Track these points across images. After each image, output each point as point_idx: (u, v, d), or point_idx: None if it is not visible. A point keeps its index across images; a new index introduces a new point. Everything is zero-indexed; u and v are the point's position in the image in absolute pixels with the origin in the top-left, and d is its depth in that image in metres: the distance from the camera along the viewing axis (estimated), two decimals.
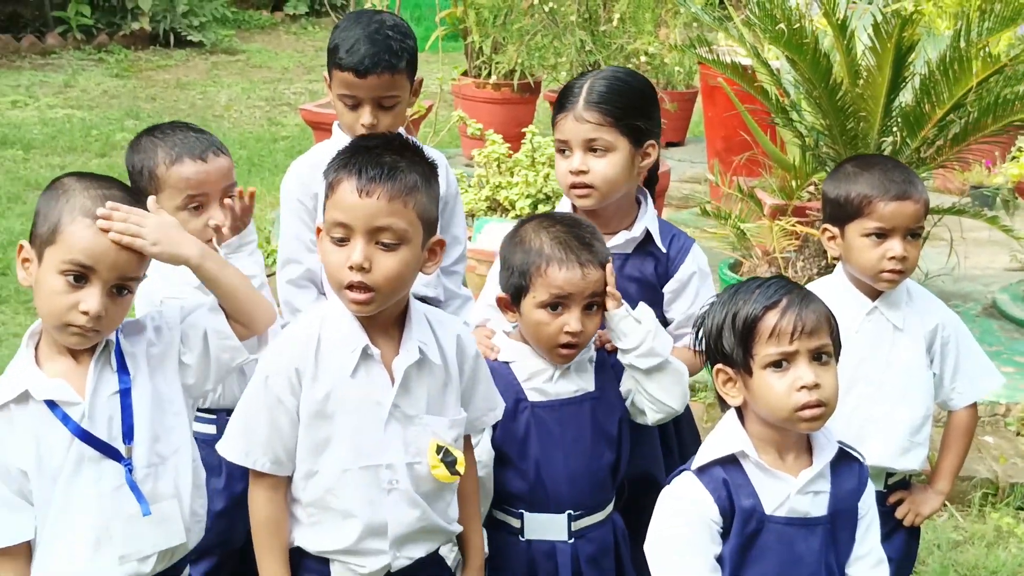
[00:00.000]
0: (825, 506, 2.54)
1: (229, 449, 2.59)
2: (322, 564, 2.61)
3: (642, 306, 2.87)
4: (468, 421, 2.71)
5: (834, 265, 3.30)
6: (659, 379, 2.87)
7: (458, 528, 2.72)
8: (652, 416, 2.91)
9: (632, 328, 2.83)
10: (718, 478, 2.51)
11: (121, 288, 2.43)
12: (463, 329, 2.74)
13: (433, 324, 2.64)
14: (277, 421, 2.54)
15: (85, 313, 2.37)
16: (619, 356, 2.88)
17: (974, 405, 3.28)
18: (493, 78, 7.99)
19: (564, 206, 3.21)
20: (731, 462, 2.53)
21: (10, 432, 2.43)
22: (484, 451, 2.86)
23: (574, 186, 3.07)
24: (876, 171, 3.11)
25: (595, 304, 2.82)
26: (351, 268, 2.43)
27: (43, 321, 2.46)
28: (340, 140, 3.33)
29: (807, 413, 2.45)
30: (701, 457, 2.56)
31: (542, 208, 5.61)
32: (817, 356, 2.48)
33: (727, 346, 2.53)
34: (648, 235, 3.15)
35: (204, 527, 2.66)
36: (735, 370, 2.54)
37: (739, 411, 2.59)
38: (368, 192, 2.43)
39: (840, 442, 2.60)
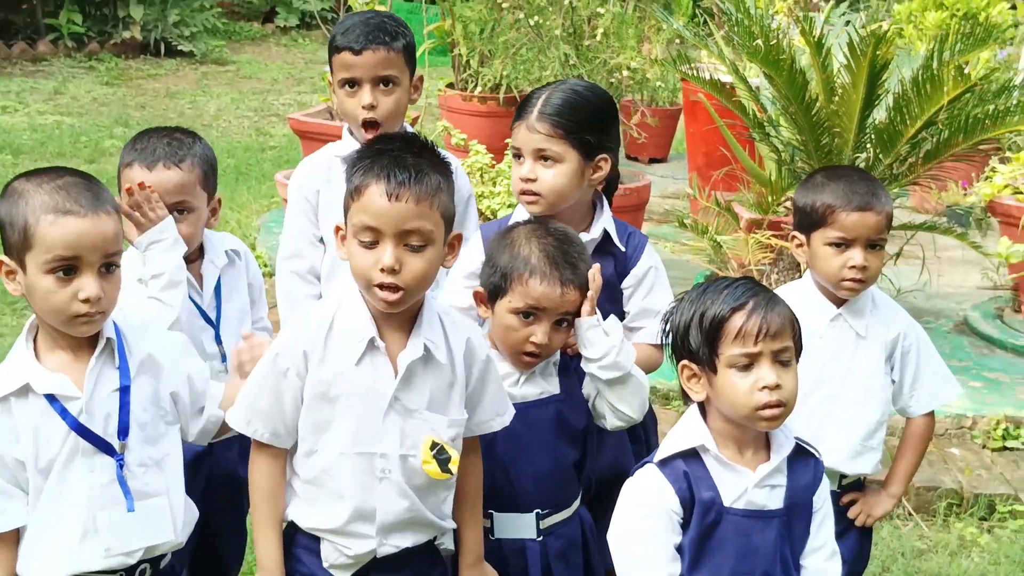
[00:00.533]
0: (781, 499, 2.62)
1: (233, 416, 2.69)
2: (313, 541, 2.70)
3: (612, 319, 2.93)
4: (474, 424, 2.77)
5: None
6: (620, 390, 2.93)
7: (451, 525, 2.78)
8: (612, 423, 2.97)
9: (599, 338, 2.88)
10: (679, 470, 2.59)
11: (108, 265, 2.50)
12: (475, 332, 2.80)
13: (445, 324, 2.71)
14: (281, 396, 2.63)
15: (86, 300, 2.44)
16: (582, 363, 2.93)
17: (931, 413, 3.36)
18: (479, 91, 8.08)
19: (519, 211, 3.26)
20: (692, 455, 2.61)
21: (9, 424, 2.50)
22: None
23: (523, 192, 3.14)
24: (842, 182, 3.19)
25: (565, 321, 2.89)
26: (382, 270, 2.51)
27: (49, 320, 2.52)
28: (350, 143, 3.44)
29: (767, 412, 2.54)
30: (663, 450, 2.64)
31: None
32: (779, 357, 2.56)
33: (693, 343, 2.61)
34: (606, 236, 3.21)
35: (193, 520, 2.74)
36: (700, 367, 2.61)
37: (701, 406, 2.66)
38: (397, 196, 2.50)
39: (797, 438, 2.67)
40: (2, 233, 2.52)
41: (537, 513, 2.92)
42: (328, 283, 3.53)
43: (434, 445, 2.64)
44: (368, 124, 3.42)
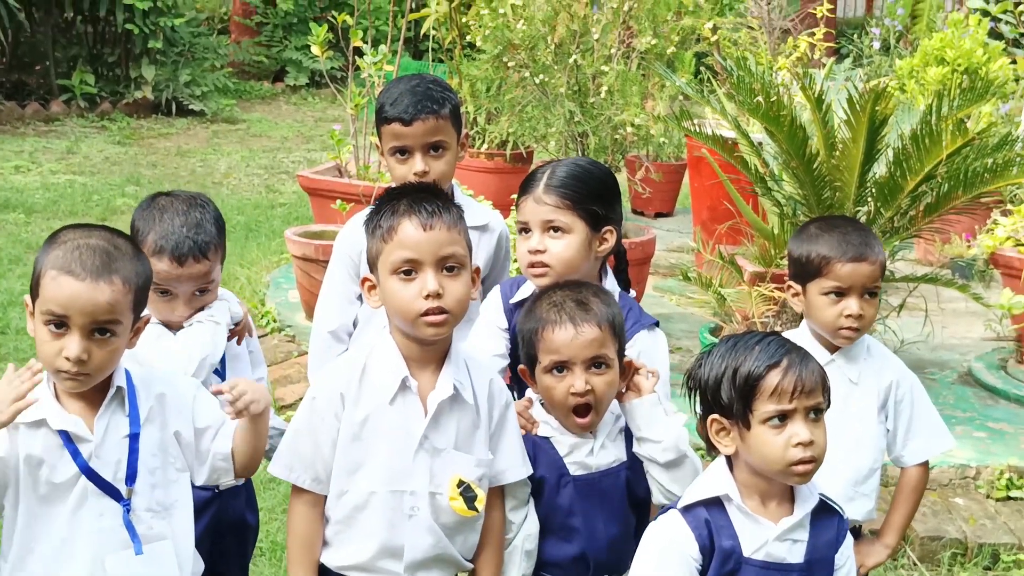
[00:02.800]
0: (802, 554, 2.64)
1: (276, 465, 2.79)
2: None
3: (670, 402, 2.95)
4: (493, 475, 2.82)
5: None
6: (675, 472, 2.90)
7: (470, 565, 2.85)
8: (657, 499, 2.95)
9: (659, 418, 2.88)
10: (701, 518, 2.63)
11: (102, 331, 2.55)
12: (496, 376, 2.90)
13: (470, 366, 2.82)
14: (319, 441, 2.74)
15: (68, 359, 2.52)
16: (635, 443, 2.92)
17: (925, 464, 3.40)
18: (486, 147, 8.19)
19: (528, 288, 3.26)
20: (715, 504, 2.64)
21: (11, 447, 2.58)
22: (533, 524, 2.94)
23: (532, 265, 3.15)
24: (836, 233, 3.25)
25: (602, 363, 2.88)
26: (426, 297, 2.65)
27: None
28: None
29: (800, 468, 2.57)
30: (688, 497, 2.68)
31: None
32: (811, 413, 2.60)
33: (725, 398, 2.63)
34: None
35: (199, 569, 2.79)
36: (731, 421, 2.63)
37: (728, 457, 2.69)
38: (431, 226, 2.68)
39: (822, 495, 2.70)
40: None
41: None
42: (360, 338, 3.60)
43: (461, 483, 2.73)
44: None
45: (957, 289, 5.76)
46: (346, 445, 2.73)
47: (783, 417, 2.57)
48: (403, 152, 3.50)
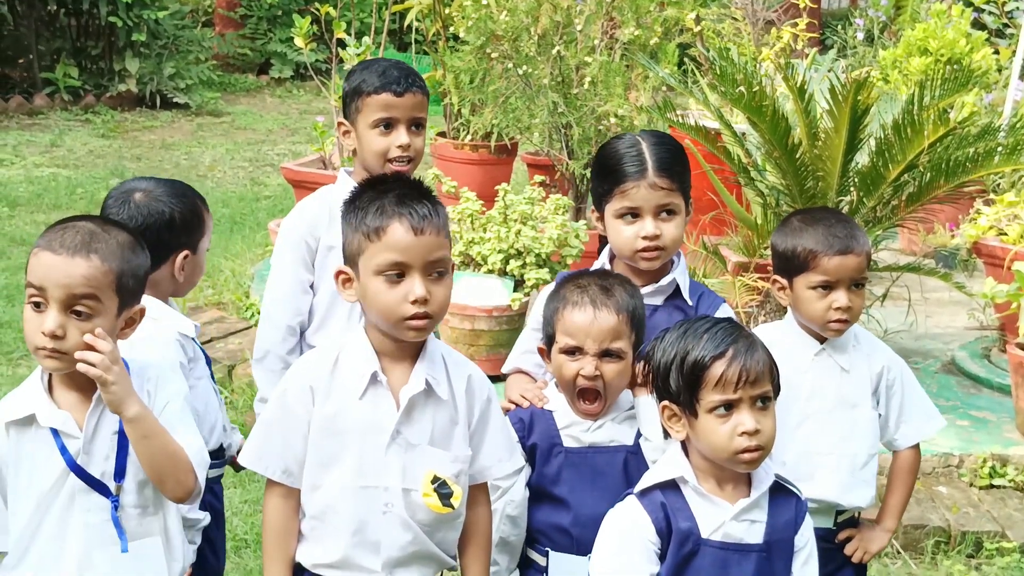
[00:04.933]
0: (760, 535, 2.67)
1: (246, 455, 2.77)
2: None
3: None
4: (477, 469, 2.81)
5: None
6: None
7: (453, 562, 2.83)
8: None
9: (656, 416, 2.85)
10: (657, 501, 2.66)
11: (78, 311, 2.53)
12: (476, 372, 2.85)
13: (448, 362, 2.79)
14: (289, 433, 2.71)
15: (43, 333, 2.51)
16: (640, 440, 2.97)
17: (917, 447, 3.42)
18: (470, 139, 8.18)
19: (596, 265, 3.27)
20: (672, 487, 2.67)
21: (15, 452, 2.59)
22: (518, 491, 2.98)
23: (646, 250, 3.14)
24: (820, 226, 3.24)
25: (615, 352, 2.91)
26: (414, 302, 2.61)
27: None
28: (346, 185, 3.46)
29: (747, 456, 2.60)
30: (644, 481, 2.71)
31: (513, 263, 5.77)
32: (758, 402, 2.62)
33: (674, 386, 2.66)
34: (677, 289, 3.23)
35: (188, 563, 2.80)
36: (680, 408, 2.67)
37: (683, 442, 2.71)
38: (422, 230, 2.63)
39: (777, 475, 2.72)
40: None
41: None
42: (322, 329, 3.58)
43: (436, 479, 2.70)
44: (399, 163, 3.49)
45: (940, 278, 5.78)
46: (318, 439, 2.70)
47: (729, 406, 2.60)
48: (388, 125, 3.50)
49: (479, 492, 2.85)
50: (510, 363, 3.35)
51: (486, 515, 2.87)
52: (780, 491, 2.72)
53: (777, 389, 2.68)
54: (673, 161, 3.17)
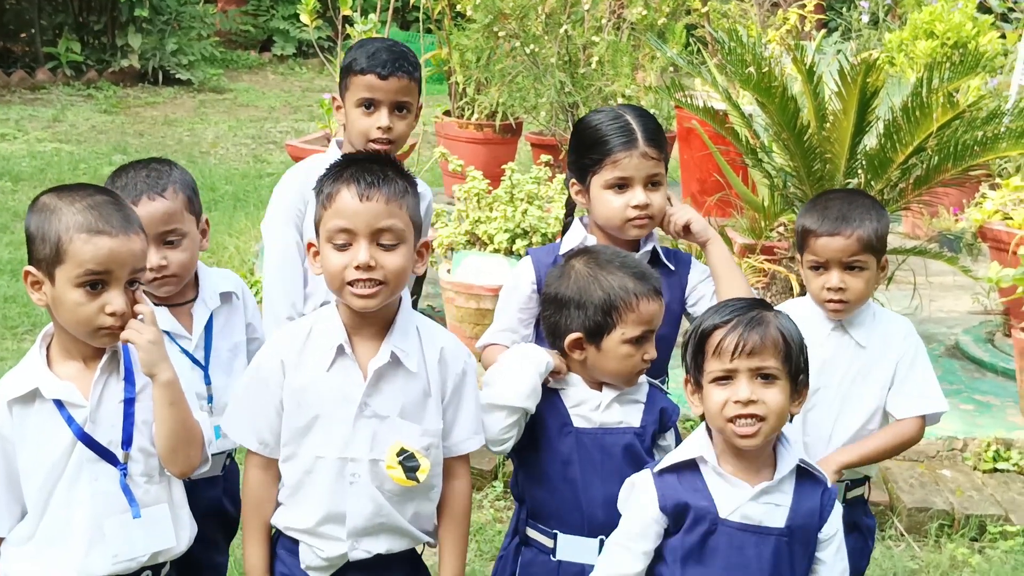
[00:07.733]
0: (783, 519, 2.66)
1: (225, 424, 2.83)
2: (294, 543, 2.79)
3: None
4: (452, 443, 2.82)
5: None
6: None
7: (426, 538, 2.84)
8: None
9: None
10: (670, 481, 2.67)
11: (132, 282, 2.59)
12: (452, 343, 2.84)
13: (422, 334, 2.79)
14: (263, 405, 2.75)
15: (112, 314, 2.54)
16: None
17: (918, 423, 3.33)
18: (476, 118, 8.16)
19: (570, 238, 3.31)
20: (691, 467, 2.68)
21: (19, 430, 2.59)
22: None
23: (636, 219, 3.19)
24: (818, 206, 3.28)
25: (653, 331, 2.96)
26: (357, 268, 2.61)
27: (74, 332, 2.59)
28: (335, 155, 3.47)
29: (741, 429, 2.60)
30: (665, 460, 2.72)
31: (520, 243, 5.76)
32: (760, 374, 2.62)
33: (689, 359, 2.70)
34: (655, 255, 3.29)
35: (193, 533, 2.80)
36: (695, 381, 2.70)
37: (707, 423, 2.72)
38: (368, 196, 2.63)
39: (804, 461, 2.71)
40: (30, 246, 2.61)
41: (601, 539, 2.91)
42: (311, 299, 3.59)
43: (402, 451, 2.71)
44: (379, 144, 3.50)
45: (945, 262, 5.78)
46: (290, 411, 2.73)
47: (729, 377, 2.62)
48: (370, 106, 3.52)
49: (457, 465, 2.86)
50: (486, 339, 3.33)
51: (463, 489, 2.88)
52: (807, 477, 2.72)
53: (795, 370, 2.66)
54: (658, 132, 3.25)
